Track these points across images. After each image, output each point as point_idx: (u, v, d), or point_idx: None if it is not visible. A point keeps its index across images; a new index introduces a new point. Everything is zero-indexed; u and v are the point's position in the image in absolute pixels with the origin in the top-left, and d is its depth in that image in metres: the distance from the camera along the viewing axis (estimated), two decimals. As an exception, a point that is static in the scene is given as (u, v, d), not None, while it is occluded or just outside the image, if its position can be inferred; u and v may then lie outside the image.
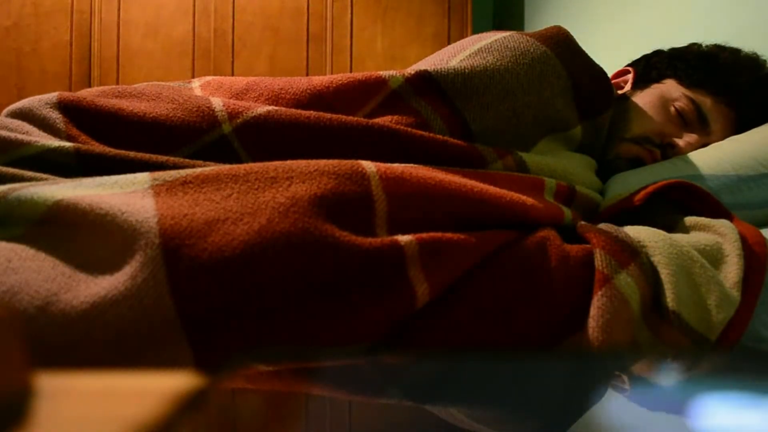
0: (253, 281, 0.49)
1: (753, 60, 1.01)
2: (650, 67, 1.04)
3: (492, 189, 0.64)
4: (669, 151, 0.95)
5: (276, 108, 0.71)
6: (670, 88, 0.98)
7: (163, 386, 0.24)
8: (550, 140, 0.84)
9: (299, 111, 0.70)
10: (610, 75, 1.09)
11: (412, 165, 0.65)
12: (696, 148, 0.95)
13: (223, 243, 0.49)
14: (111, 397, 0.23)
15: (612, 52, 1.36)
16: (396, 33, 2.57)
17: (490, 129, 0.78)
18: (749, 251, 0.68)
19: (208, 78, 0.81)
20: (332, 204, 0.54)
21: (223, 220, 0.51)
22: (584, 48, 0.91)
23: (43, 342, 0.46)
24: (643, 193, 0.78)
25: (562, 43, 0.86)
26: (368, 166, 0.58)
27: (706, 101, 0.96)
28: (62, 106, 0.69)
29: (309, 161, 0.58)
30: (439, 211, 0.60)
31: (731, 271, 0.65)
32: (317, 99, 0.76)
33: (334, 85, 0.77)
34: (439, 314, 0.56)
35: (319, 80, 0.78)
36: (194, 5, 2.48)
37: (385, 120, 0.73)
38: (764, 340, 0.67)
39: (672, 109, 0.96)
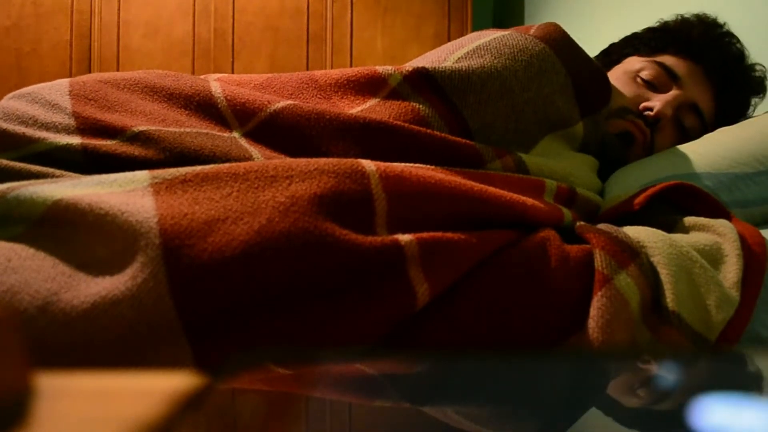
0: (254, 281, 0.49)
1: (701, 17, 1.05)
2: (608, 54, 1.07)
3: (491, 189, 0.64)
4: (651, 119, 0.95)
5: (283, 106, 0.72)
6: (632, 62, 1.01)
7: (163, 386, 0.24)
8: (551, 139, 0.84)
9: (302, 108, 0.71)
10: None
11: (411, 164, 0.65)
12: (675, 106, 0.96)
13: (223, 243, 0.49)
14: (111, 397, 0.23)
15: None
16: (396, 33, 2.57)
17: (488, 126, 0.78)
18: (748, 251, 0.68)
19: (224, 76, 0.82)
20: (332, 203, 0.54)
21: (223, 220, 0.51)
22: (584, 47, 0.91)
23: (43, 342, 0.46)
24: (642, 196, 0.78)
25: (559, 40, 0.86)
26: (368, 165, 0.58)
27: (669, 59, 0.98)
28: (72, 94, 0.70)
29: (309, 160, 0.58)
30: (439, 211, 0.60)
31: (730, 271, 0.65)
32: (323, 98, 0.77)
33: (338, 82, 0.78)
34: (439, 315, 0.56)
35: (324, 79, 0.79)
36: (194, 5, 2.48)
37: (383, 117, 0.73)
38: (764, 340, 0.67)
39: (638, 79, 0.98)
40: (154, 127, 0.66)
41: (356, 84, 0.78)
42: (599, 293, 0.58)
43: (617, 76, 0.99)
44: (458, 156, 0.72)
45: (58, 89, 0.71)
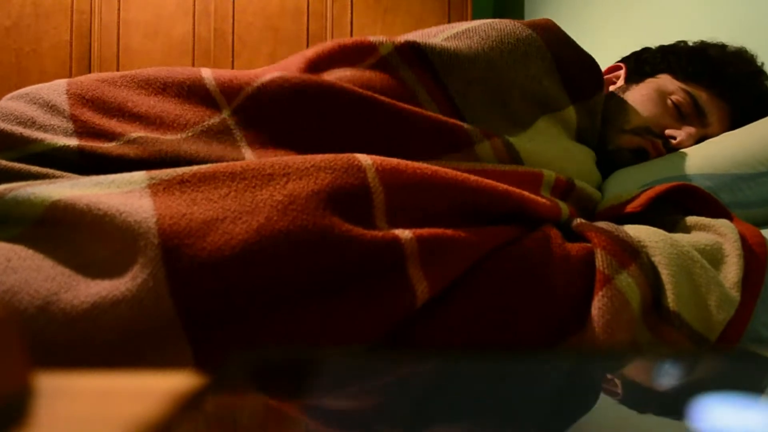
0: (253, 280, 0.49)
1: (740, 54, 1.04)
2: (642, 62, 1.06)
3: (487, 180, 0.64)
4: (669, 143, 0.95)
5: (270, 78, 0.72)
6: (666, 81, 1.00)
7: (163, 386, 0.24)
8: (547, 121, 0.85)
9: (287, 78, 0.72)
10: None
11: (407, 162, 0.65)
12: (695, 141, 0.96)
13: (222, 242, 0.49)
14: (111, 397, 0.23)
15: (613, 51, 1.36)
16: (396, 33, 2.56)
17: (476, 103, 0.79)
18: (749, 251, 0.68)
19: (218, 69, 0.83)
20: (330, 199, 0.54)
21: (222, 219, 0.51)
22: (584, 47, 0.91)
23: (43, 341, 0.46)
24: (645, 197, 0.77)
25: (548, 29, 0.88)
26: (364, 159, 0.58)
27: (701, 95, 0.98)
28: (70, 93, 0.71)
29: (305, 157, 0.58)
30: (436, 202, 0.59)
31: (731, 271, 0.65)
32: (311, 68, 0.78)
33: (326, 52, 0.79)
34: (440, 313, 0.56)
35: (312, 50, 0.80)
36: (194, 5, 2.48)
37: (372, 87, 0.74)
38: (764, 340, 0.67)
39: (669, 101, 0.97)
40: (152, 135, 0.66)
41: (345, 52, 0.79)
42: (600, 293, 0.58)
43: (648, 92, 0.99)
44: (444, 134, 0.72)
45: (56, 89, 0.71)
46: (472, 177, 0.63)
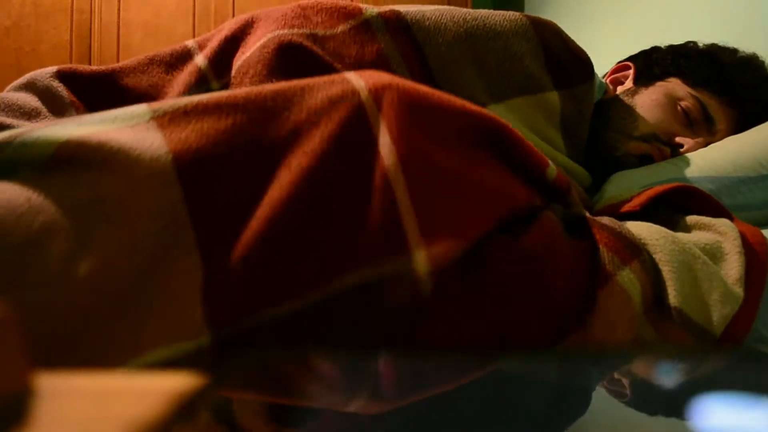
0: (275, 224, 0.49)
1: (753, 60, 1.03)
2: (651, 64, 1.05)
3: (481, 108, 0.61)
4: (677, 150, 0.96)
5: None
6: (676, 86, 0.99)
7: (163, 386, 0.24)
8: (526, 102, 0.85)
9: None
10: (608, 71, 1.11)
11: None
12: (701, 148, 0.96)
13: (239, 178, 0.50)
14: (111, 397, 0.23)
15: (613, 51, 1.36)
16: (396, 33, 2.57)
17: (450, 65, 0.82)
18: (750, 250, 0.68)
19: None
20: (335, 133, 0.53)
21: (235, 154, 0.51)
22: (584, 47, 0.91)
23: (67, 295, 0.45)
24: (644, 196, 0.78)
25: (542, 21, 0.88)
26: (357, 81, 0.56)
27: (711, 102, 0.97)
28: (60, 76, 0.77)
29: (299, 83, 0.56)
30: (445, 122, 0.57)
31: (732, 269, 0.65)
32: (303, 18, 0.82)
33: (318, 7, 0.84)
34: (439, 313, 0.55)
35: (306, 2, 0.85)
36: (194, 5, 2.48)
37: (349, 51, 0.79)
38: (765, 340, 0.67)
39: (678, 108, 0.97)
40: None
41: (337, 11, 0.83)
42: (602, 290, 0.58)
43: (657, 96, 0.99)
44: None
45: (48, 72, 0.78)
46: (468, 103, 0.61)
